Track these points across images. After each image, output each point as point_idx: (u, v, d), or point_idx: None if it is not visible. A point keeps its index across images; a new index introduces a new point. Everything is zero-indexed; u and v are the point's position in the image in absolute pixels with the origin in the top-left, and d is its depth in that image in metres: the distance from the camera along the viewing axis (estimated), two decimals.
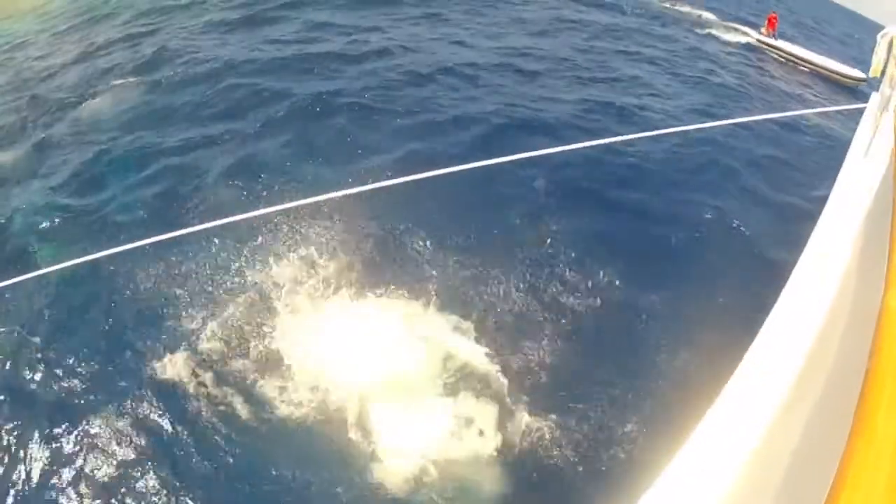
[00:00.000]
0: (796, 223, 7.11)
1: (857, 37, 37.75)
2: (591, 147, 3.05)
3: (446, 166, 2.75)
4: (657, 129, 4.29)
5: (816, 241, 1.83)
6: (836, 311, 1.49)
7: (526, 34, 16.43)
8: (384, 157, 8.47)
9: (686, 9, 26.43)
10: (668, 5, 26.31)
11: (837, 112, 7.81)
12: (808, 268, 1.72)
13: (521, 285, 6.47)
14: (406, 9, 17.22)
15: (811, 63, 19.14)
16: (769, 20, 21.47)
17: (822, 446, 0.76)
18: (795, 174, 10.05)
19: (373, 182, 2.71)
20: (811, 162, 10.58)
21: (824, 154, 9.98)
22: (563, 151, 2.99)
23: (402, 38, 14.20)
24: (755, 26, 23.00)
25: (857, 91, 17.20)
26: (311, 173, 8.10)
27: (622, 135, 3.63)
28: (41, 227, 7.62)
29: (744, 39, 21.69)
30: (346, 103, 10.10)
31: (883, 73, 3.04)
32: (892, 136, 2.04)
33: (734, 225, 7.91)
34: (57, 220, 7.70)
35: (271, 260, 6.61)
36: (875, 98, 2.88)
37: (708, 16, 25.62)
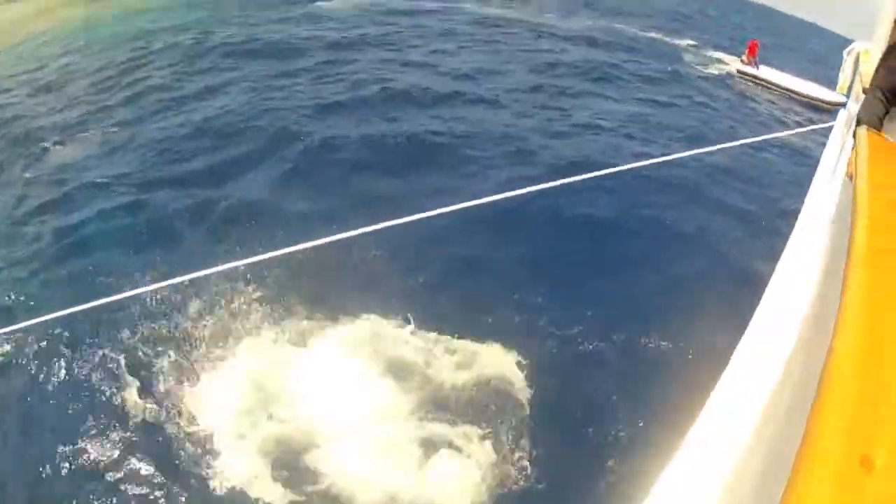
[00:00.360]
0: (770, 238, 7.40)
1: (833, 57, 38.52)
2: (573, 182, 3.04)
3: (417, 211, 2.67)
4: (646, 158, 4.24)
5: (787, 258, 1.85)
6: (804, 330, 1.50)
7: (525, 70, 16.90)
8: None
9: (668, 39, 27.15)
10: (653, 35, 26.98)
11: (812, 132, 8.01)
12: (780, 284, 1.73)
13: (492, 316, 6.46)
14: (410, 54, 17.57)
15: (791, 90, 19.45)
16: (750, 47, 21.80)
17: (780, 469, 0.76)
18: (772, 194, 10.31)
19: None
20: (785, 181, 10.88)
21: (802, 174, 10.27)
22: (540, 190, 3.02)
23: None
24: (736, 53, 23.43)
25: (836, 113, 17.42)
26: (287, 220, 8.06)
27: (610, 167, 3.47)
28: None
29: (725, 68, 22.11)
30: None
31: (849, 90, 3.13)
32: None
33: (720, 251, 8.07)
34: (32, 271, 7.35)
35: (236, 301, 6.50)
36: (842, 115, 2.88)
37: (689, 44, 26.34)
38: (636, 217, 8.80)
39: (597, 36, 23.53)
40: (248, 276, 6.63)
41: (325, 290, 6.63)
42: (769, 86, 19.98)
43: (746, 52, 21.87)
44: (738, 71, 21.31)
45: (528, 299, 6.70)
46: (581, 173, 3.26)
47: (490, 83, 15.01)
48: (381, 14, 22.30)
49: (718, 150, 5.17)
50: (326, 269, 6.64)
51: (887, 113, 2.12)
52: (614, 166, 3.48)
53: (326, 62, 15.45)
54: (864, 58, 2.94)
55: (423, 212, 2.65)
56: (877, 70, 2.35)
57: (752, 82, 20.43)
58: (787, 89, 19.52)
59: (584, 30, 24.68)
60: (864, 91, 2.51)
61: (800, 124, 16.29)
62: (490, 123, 12.12)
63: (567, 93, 14.98)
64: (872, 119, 2.04)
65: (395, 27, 20.21)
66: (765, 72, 20.83)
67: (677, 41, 27.01)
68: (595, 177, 3.20)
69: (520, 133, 11.67)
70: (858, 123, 2.05)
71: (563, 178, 3.03)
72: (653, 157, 5.58)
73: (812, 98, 18.65)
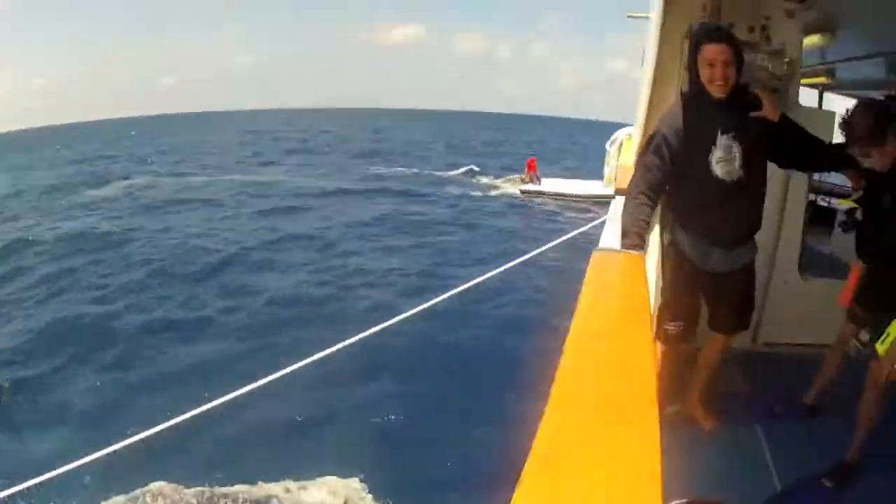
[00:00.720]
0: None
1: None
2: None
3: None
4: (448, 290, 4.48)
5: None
6: None
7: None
8: None
9: (450, 173, 28.68)
10: (439, 174, 28.27)
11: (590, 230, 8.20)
12: None
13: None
14: None
15: (575, 195, 20.15)
16: (528, 165, 22.92)
17: None
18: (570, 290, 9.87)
19: None
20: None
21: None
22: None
23: None
24: (519, 172, 24.68)
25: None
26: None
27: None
28: None
29: (509, 189, 23.03)
30: None
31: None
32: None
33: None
34: None
35: None
36: (612, 205, 2.96)
37: (475, 171, 27.88)
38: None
39: (372, 187, 24.01)
40: None
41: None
42: (555, 197, 20.68)
43: (526, 170, 22.92)
44: (522, 190, 22.11)
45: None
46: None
47: (285, 246, 14.40)
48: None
49: (503, 270, 5.13)
50: None
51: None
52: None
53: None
54: (628, 143, 3.32)
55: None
56: (636, 168, 2.38)
57: (538, 197, 21.17)
58: (571, 195, 20.22)
59: (359, 181, 25.46)
60: (618, 191, 2.66)
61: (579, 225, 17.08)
62: (291, 286, 11.33)
63: (350, 251, 14.08)
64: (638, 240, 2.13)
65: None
66: (547, 184, 21.82)
67: (453, 173, 28.67)
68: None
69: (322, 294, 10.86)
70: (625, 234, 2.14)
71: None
72: (455, 287, 5.07)
73: (593, 197, 19.12)
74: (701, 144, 2.24)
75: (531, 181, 22.39)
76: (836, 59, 5.66)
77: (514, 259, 5.23)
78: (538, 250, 5.47)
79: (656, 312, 2.41)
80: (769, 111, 2.28)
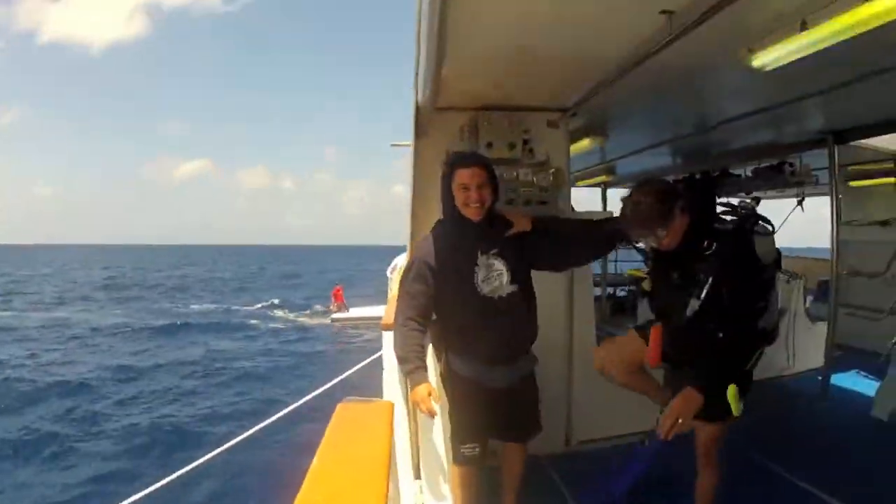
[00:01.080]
0: None
1: None
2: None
3: None
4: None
5: None
6: None
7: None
8: None
9: (255, 307, 27.73)
10: (245, 308, 26.74)
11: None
12: None
13: None
14: None
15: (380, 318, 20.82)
16: (334, 294, 23.18)
17: None
18: None
19: None
20: None
21: None
22: None
23: None
24: (325, 302, 24.57)
25: None
26: None
27: None
28: None
29: (317, 320, 22.56)
30: None
31: None
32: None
33: None
34: None
35: None
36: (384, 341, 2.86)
37: (279, 311, 26.77)
38: None
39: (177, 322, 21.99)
40: None
41: None
42: (364, 322, 20.44)
43: (333, 299, 23.20)
44: (332, 319, 21.86)
45: None
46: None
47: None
48: None
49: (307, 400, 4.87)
50: None
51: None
52: None
53: None
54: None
55: None
56: (399, 298, 2.34)
57: (349, 323, 20.96)
58: (377, 318, 20.77)
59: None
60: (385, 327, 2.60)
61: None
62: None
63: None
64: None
65: None
66: (355, 310, 21.80)
67: (258, 306, 27.92)
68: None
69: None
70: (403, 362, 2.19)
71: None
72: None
73: None
74: (463, 266, 2.27)
75: (339, 310, 22.32)
76: (614, 158, 6.20)
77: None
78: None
79: (449, 437, 2.28)
80: (519, 223, 2.39)
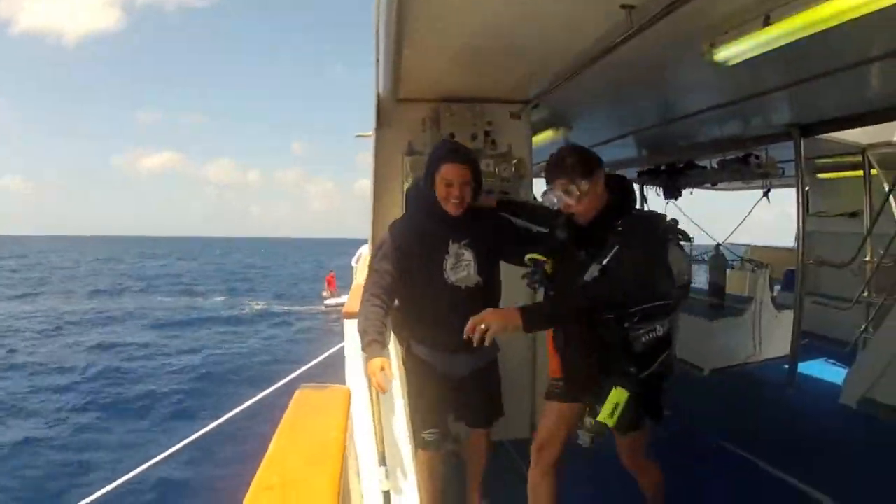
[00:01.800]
0: None
1: None
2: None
3: None
4: None
5: None
6: None
7: None
8: None
9: (255, 304, 27.56)
10: (220, 299, 26.79)
11: None
12: None
13: None
14: None
15: None
16: (328, 281, 23.43)
17: None
18: None
19: None
20: None
21: None
22: None
23: None
24: (318, 289, 24.68)
25: None
26: None
27: None
28: None
29: (313, 308, 22.66)
30: None
31: None
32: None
33: None
34: None
35: None
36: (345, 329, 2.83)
37: (276, 304, 27.04)
38: None
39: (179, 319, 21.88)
40: None
41: None
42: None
43: (326, 286, 23.50)
44: (326, 304, 22.12)
45: None
46: None
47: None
48: None
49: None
50: None
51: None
52: None
53: None
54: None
55: None
56: (368, 275, 2.37)
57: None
58: None
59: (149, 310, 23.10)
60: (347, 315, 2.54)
61: None
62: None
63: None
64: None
65: None
66: (345, 297, 22.23)
67: (250, 302, 27.65)
68: None
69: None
70: (363, 335, 2.20)
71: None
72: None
73: None
74: (433, 253, 2.29)
75: (331, 296, 22.54)
76: None
77: None
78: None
79: (411, 423, 2.28)
80: (484, 202, 2.42)
